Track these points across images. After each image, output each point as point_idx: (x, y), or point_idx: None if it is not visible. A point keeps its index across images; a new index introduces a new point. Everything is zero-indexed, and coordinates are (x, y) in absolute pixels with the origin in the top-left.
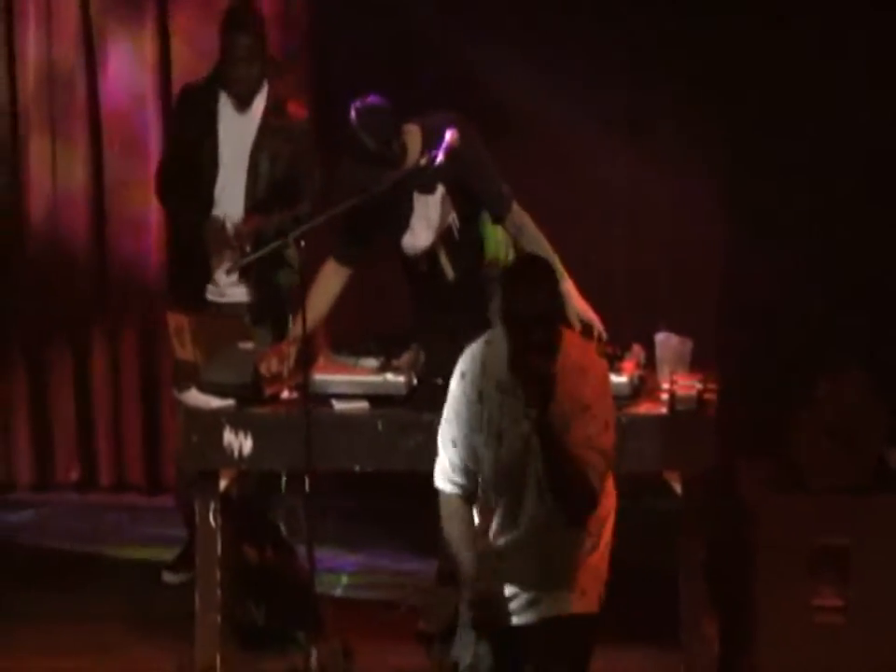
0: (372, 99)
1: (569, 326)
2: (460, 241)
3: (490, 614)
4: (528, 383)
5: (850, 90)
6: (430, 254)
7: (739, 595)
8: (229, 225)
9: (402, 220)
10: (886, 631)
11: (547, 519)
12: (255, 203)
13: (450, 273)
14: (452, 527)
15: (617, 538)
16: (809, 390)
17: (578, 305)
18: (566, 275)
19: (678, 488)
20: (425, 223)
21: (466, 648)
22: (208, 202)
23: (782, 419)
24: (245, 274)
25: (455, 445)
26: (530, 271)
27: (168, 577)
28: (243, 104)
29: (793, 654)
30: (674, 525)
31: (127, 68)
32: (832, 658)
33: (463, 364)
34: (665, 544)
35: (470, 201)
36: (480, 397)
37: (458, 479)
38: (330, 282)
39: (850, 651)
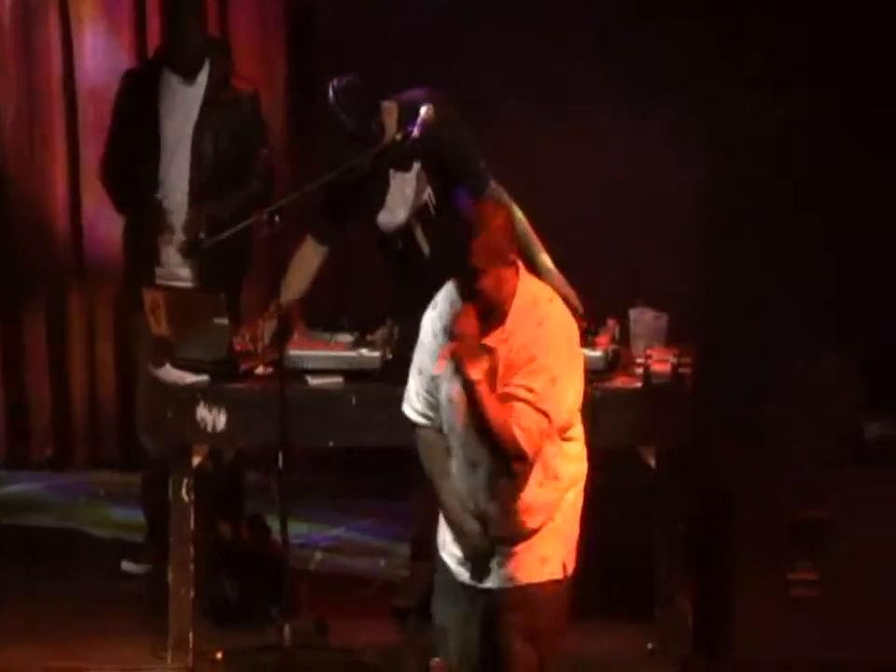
0: (350, 78)
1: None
2: (437, 217)
3: (484, 568)
4: (461, 337)
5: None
6: (406, 231)
7: (715, 569)
8: (184, 216)
9: (379, 197)
10: (861, 604)
11: (492, 469)
12: (200, 185)
13: (426, 249)
14: (427, 460)
15: (591, 510)
16: (786, 365)
17: (553, 280)
18: (542, 250)
19: (652, 462)
20: (401, 200)
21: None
22: (152, 184)
23: (760, 394)
24: (195, 254)
25: (420, 373)
26: (473, 218)
27: (127, 566)
28: (186, 77)
29: (769, 627)
30: (649, 500)
31: (103, 43)
32: (807, 631)
33: (438, 297)
34: (640, 518)
35: (447, 177)
36: (444, 329)
37: (421, 408)
38: (309, 260)
39: (826, 624)
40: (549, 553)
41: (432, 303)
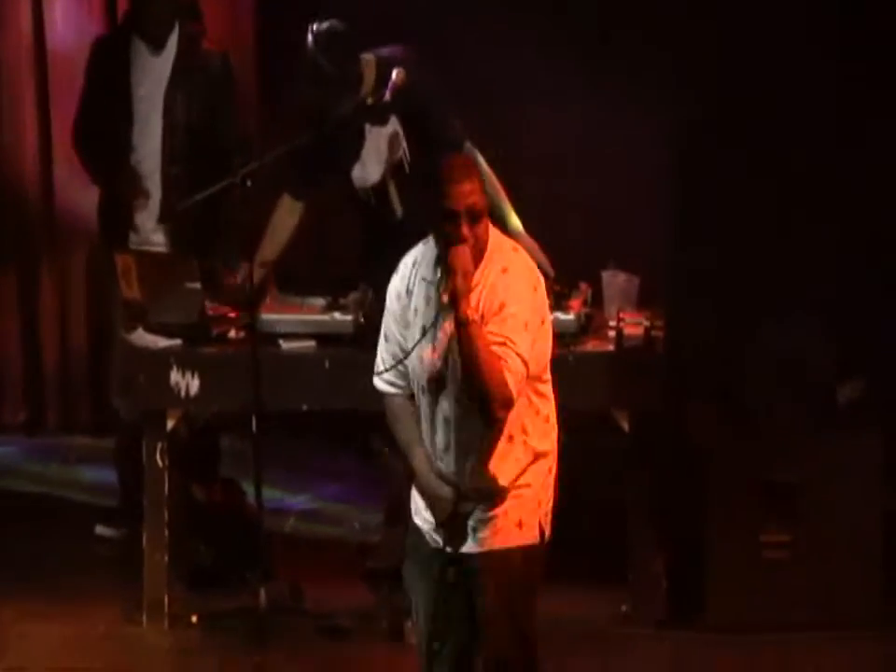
0: (331, 22)
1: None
2: (411, 175)
3: (458, 534)
4: (449, 274)
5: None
6: (380, 188)
7: (688, 532)
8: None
9: (353, 152)
10: (832, 567)
11: (463, 425)
12: (173, 149)
13: (398, 208)
14: (398, 429)
15: (564, 474)
16: (757, 328)
17: (525, 242)
18: (513, 212)
19: (625, 425)
20: (375, 156)
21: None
22: (125, 150)
23: (731, 357)
24: (169, 219)
25: (386, 340)
26: (457, 163)
27: (101, 530)
28: (156, 45)
29: (740, 590)
30: (623, 463)
31: (73, 9)
32: (778, 594)
33: (404, 260)
34: (612, 481)
35: (422, 135)
36: (408, 290)
37: (390, 376)
38: (286, 217)
39: (796, 586)
40: (526, 518)
41: (396, 271)
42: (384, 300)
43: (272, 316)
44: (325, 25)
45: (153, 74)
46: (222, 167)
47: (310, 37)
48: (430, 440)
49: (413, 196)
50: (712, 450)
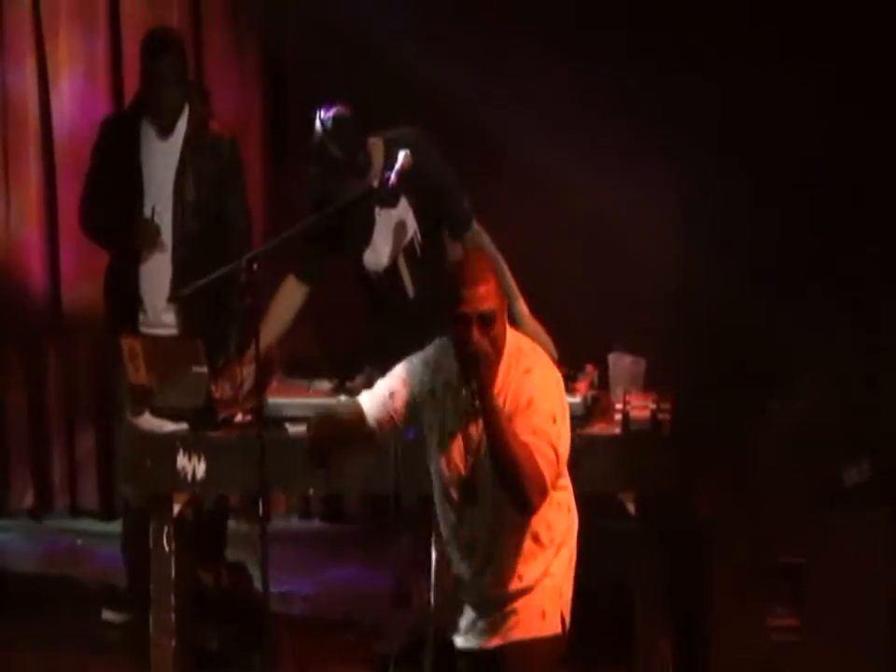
0: (339, 108)
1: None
2: (422, 257)
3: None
4: (470, 367)
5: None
6: (391, 270)
7: (695, 614)
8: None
9: (364, 235)
10: (840, 649)
11: (499, 528)
12: (183, 230)
13: (410, 290)
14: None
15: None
16: (764, 406)
17: (530, 325)
18: (519, 296)
19: (632, 508)
20: (386, 239)
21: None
22: (133, 233)
23: (738, 438)
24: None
25: (391, 396)
26: (473, 264)
27: (108, 615)
28: (166, 129)
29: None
30: (629, 546)
31: (80, 90)
32: None
33: (433, 352)
34: (620, 565)
35: (432, 216)
36: (433, 392)
37: (374, 402)
38: (290, 299)
39: (805, 669)
40: (549, 608)
41: (421, 356)
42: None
43: (278, 400)
44: (332, 110)
45: (162, 156)
46: (231, 249)
47: (317, 124)
48: (453, 546)
49: (425, 277)
50: (719, 532)
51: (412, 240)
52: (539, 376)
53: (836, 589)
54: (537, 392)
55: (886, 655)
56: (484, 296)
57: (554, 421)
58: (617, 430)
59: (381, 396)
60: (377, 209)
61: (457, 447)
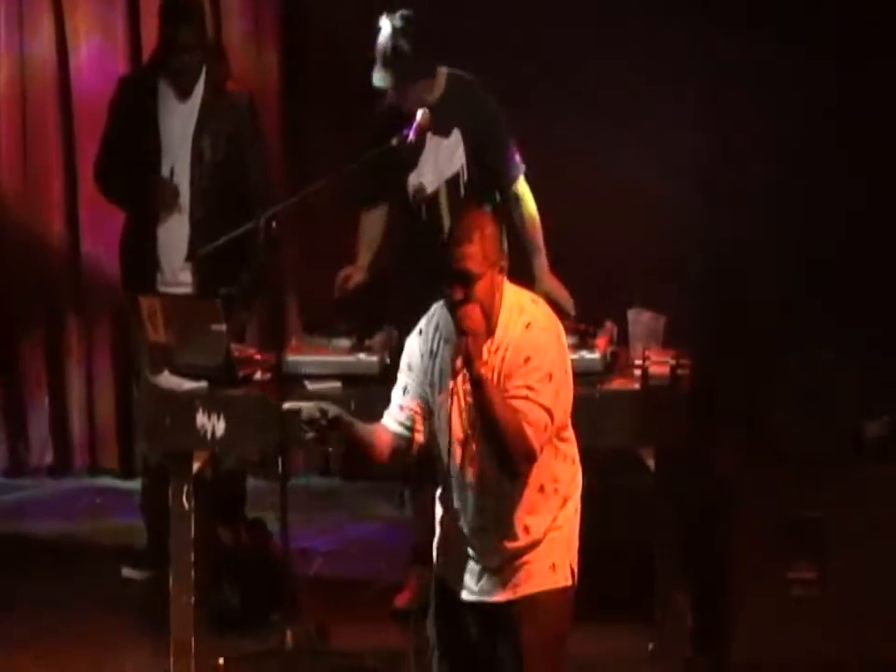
0: (403, 10)
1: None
2: (465, 198)
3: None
4: (471, 333)
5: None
6: (433, 200)
7: (714, 569)
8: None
9: (413, 157)
10: (861, 603)
11: (497, 482)
12: (201, 189)
13: (447, 223)
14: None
15: (590, 513)
16: (783, 363)
17: (545, 282)
18: (542, 252)
19: (651, 464)
20: (433, 164)
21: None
22: (151, 194)
23: (758, 393)
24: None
25: (405, 392)
26: (463, 222)
27: (127, 572)
28: (184, 93)
29: (768, 628)
30: (648, 501)
31: (98, 52)
32: (807, 631)
33: (422, 322)
34: (639, 520)
35: (481, 159)
36: (431, 352)
37: (396, 413)
38: (372, 226)
39: (826, 623)
40: (558, 561)
41: (416, 330)
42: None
43: (297, 358)
44: (400, 12)
45: (181, 118)
46: (249, 208)
47: (385, 25)
48: (462, 505)
49: None
50: (739, 487)
51: (457, 174)
52: (539, 330)
53: (857, 542)
54: (534, 349)
55: None
56: (466, 255)
57: (550, 379)
58: (636, 386)
59: (394, 414)
60: (429, 134)
61: (457, 402)
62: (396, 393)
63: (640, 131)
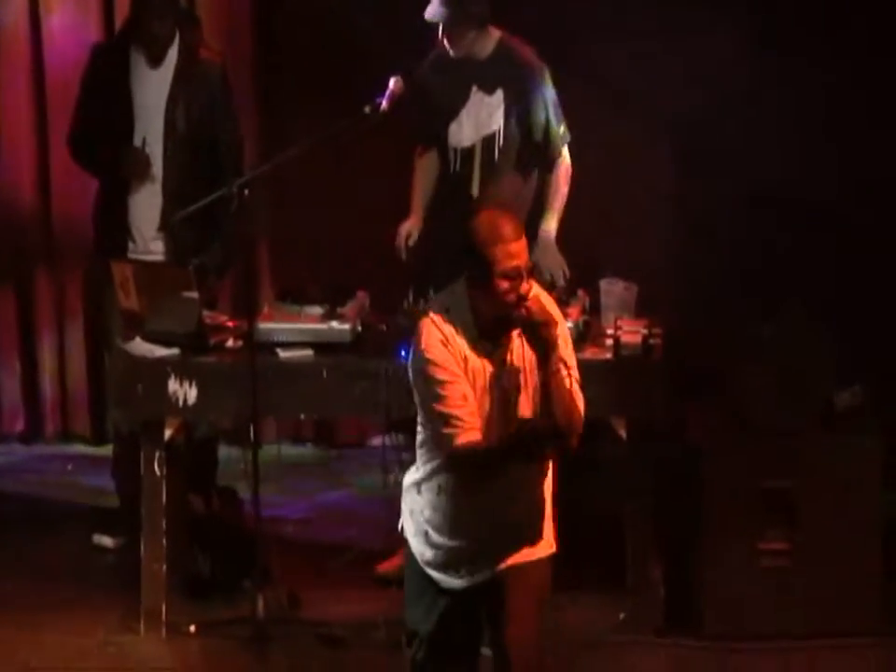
0: None
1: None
2: (499, 160)
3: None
4: (530, 335)
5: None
6: (468, 154)
7: (686, 539)
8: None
9: (456, 106)
10: (831, 573)
11: (525, 477)
12: (174, 157)
13: (476, 185)
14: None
15: (562, 482)
16: (755, 333)
17: (542, 241)
18: (555, 215)
19: (623, 433)
20: (474, 118)
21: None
22: (124, 163)
23: (729, 363)
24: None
25: (466, 399)
26: (504, 223)
27: (98, 539)
28: (156, 59)
29: (739, 597)
30: (620, 471)
31: (71, 19)
32: (778, 601)
33: (435, 332)
34: (611, 489)
35: (518, 125)
36: (462, 356)
37: (475, 421)
38: (427, 171)
39: (795, 594)
40: (546, 531)
41: (437, 342)
42: (437, 275)
43: (269, 325)
44: None
45: (153, 86)
46: (222, 177)
47: None
48: (494, 490)
49: (493, 183)
50: (710, 457)
51: (494, 134)
52: (544, 299)
53: (827, 513)
54: (558, 316)
55: (876, 580)
56: (520, 251)
57: (567, 343)
58: (608, 356)
59: (475, 423)
60: (474, 88)
61: (497, 398)
62: (455, 402)
63: (619, 94)
